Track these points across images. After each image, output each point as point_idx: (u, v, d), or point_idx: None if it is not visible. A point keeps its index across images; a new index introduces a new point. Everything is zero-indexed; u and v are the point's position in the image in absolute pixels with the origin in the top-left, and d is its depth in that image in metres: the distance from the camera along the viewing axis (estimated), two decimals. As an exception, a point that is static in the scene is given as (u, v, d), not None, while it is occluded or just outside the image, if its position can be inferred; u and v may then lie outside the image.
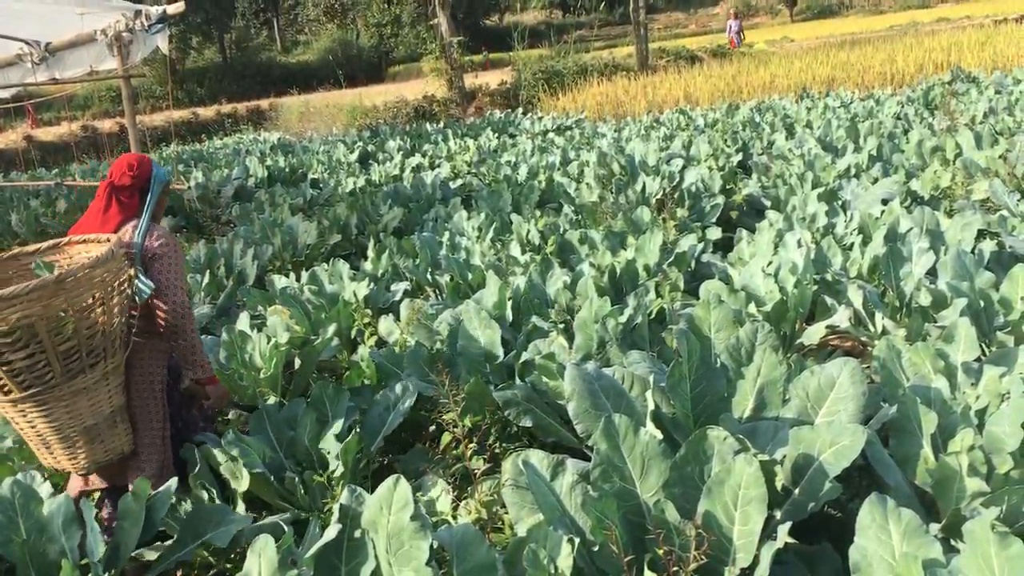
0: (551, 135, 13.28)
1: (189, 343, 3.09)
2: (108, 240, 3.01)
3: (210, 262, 6.28)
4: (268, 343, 4.28)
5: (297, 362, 4.43)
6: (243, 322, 4.52)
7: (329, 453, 3.25)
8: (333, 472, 3.19)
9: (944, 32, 20.94)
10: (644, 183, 7.07)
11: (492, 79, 22.93)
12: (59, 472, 3.18)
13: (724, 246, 5.84)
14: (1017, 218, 4.88)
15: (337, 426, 3.28)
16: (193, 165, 13.56)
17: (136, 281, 2.99)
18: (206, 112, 28.41)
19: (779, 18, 47.42)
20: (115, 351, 2.95)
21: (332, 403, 3.49)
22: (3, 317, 2.57)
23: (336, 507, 2.32)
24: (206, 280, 5.75)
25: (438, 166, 10.97)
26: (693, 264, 5.19)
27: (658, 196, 6.82)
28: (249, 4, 56.50)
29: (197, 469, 3.16)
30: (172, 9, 6.80)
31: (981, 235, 4.82)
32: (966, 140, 6.99)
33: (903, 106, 10.56)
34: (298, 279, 5.55)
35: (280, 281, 5.52)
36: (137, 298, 3.00)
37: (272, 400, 4.05)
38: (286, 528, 2.71)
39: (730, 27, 27.43)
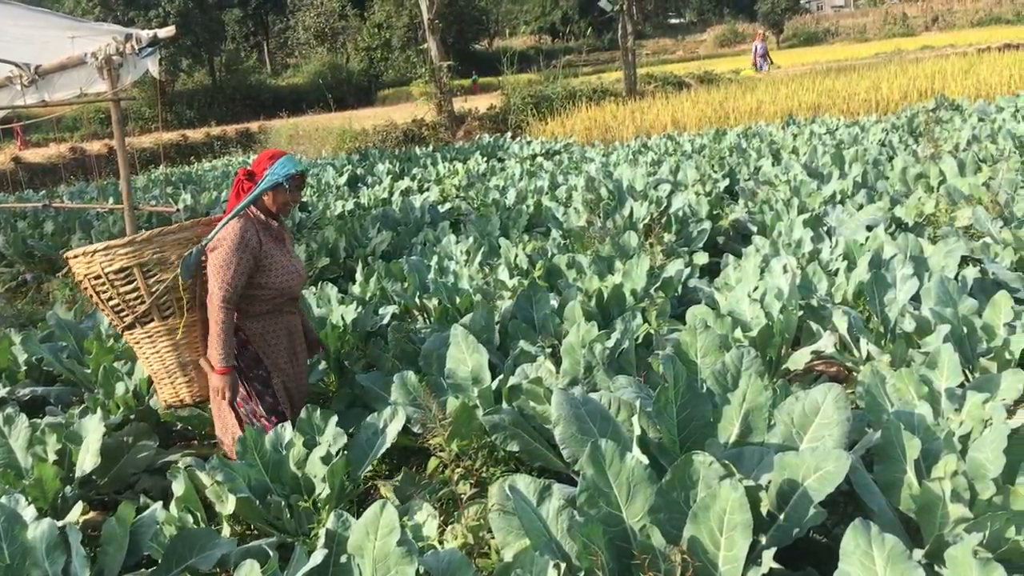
0: (540, 159, 13.34)
1: (218, 329, 3.45)
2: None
3: (198, 285, 6.26)
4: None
5: (284, 386, 4.42)
6: (230, 345, 4.51)
7: (316, 477, 3.24)
8: (319, 496, 3.18)
9: (928, 60, 21.20)
10: (632, 208, 7.11)
11: (481, 103, 23.06)
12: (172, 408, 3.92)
13: (711, 271, 5.88)
14: (999, 245, 4.94)
15: (323, 450, 3.28)
16: (182, 187, 13.56)
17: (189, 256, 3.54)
18: (195, 134, 28.44)
19: (751, 46, 47.83)
20: (185, 309, 3.65)
21: (319, 427, 3.49)
22: (114, 259, 3.52)
23: (322, 531, 2.32)
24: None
25: (427, 190, 11.00)
26: (680, 289, 5.22)
27: (645, 221, 6.86)
28: (239, 27, 56.82)
29: (182, 492, 3.15)
30: (163, 33, 6.83)
31: (964, 262, 4.88)
32: (949, 167, 7.07)
33: (888, 133, 10.66)
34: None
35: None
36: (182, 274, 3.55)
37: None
38: (271, 552, 2.70)
39: (755, 49, 25.71)
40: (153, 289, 3.57)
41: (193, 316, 3.68)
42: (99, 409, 3.95)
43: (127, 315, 3.63)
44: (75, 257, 3.64)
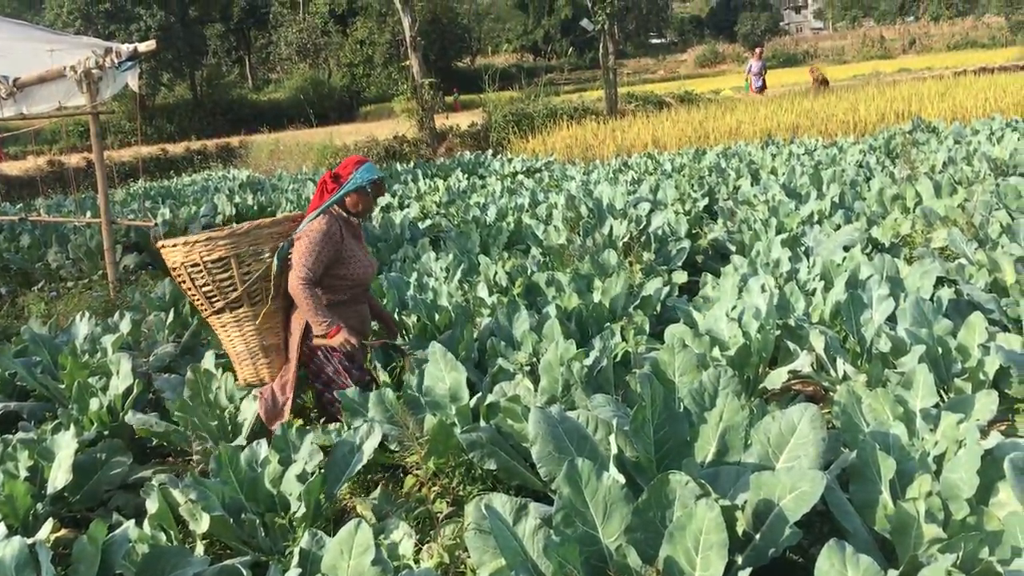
0: (520, 177, 13.37)
1: (305, 308, 3.88)
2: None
3: (175, 300, 6.22)
4: (234, 381, 4.26)
5: (261, 402, 4.39)
6: (208, 361, 4.49)
7: (291, 495, 3.22)
8: (295, 514, 3.16)
9: (905, 82, 21.47)
10: (611, 226, 7.13)
11: (463, 120, 23.10)
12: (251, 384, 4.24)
13: (690, 290, 5.90)
14: (974, 266, 4.98)
15: (299, 467, 3.25)
16: (161, 202, 13.49)
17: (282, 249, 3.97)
18: (175, 148, 28.29)
19: (745, 65, 48.29)
20: (271, 297, 4.02)
21: (295, 444, 3.47)
22: (214, 249, 3.89)
23: (297, 550, 2.30)
24: (170, 318, 5.69)
25: (407, 206, 10.99)
26: (659, 307, 5.23)
27: (625, 239, 6.88)
28: (221, 42, 56.72)
29: (156, 510, 3.11)
30: (143, 47, 6.82)
31: (940, 283, 4.91)
32: (926, 189, 7.14)
33: (865, 154, 10.76)
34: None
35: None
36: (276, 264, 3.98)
37: (237, 439, 4.02)
38: (245, 572, 2.68)
39: (750, 67, 23.69)
40: (245, 277, 3.95)
41: (277, 303, 4.08)
42: (72, 425, 3.91)
43: (218, 300, 4.01)
44: (173, 246, 3.97)
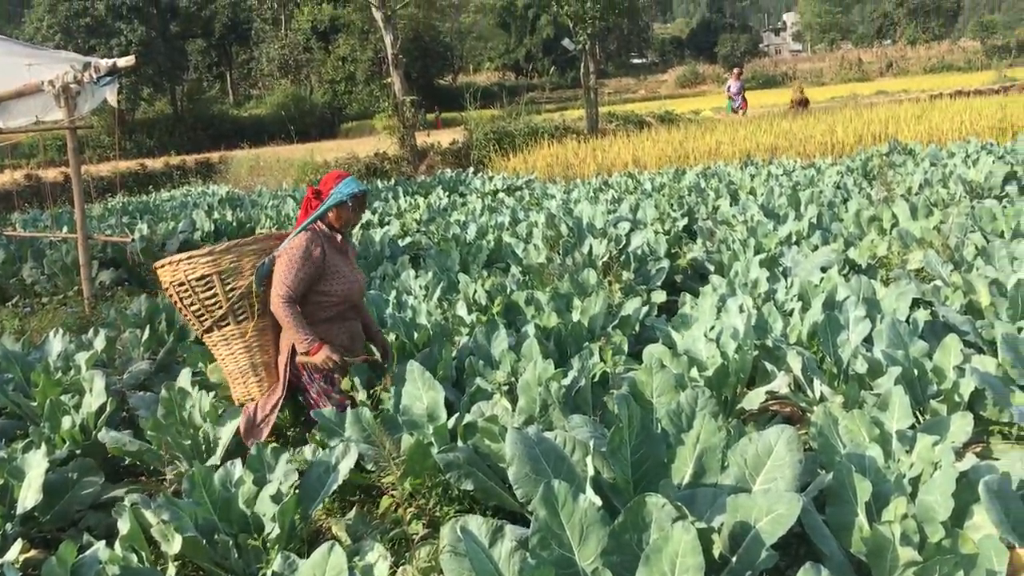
0: (501, 195, 13.39)
1: (286, 325, 3.90)
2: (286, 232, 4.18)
3: (151, 316, 6.17)
4: (209, 400, 4.22)
5: (237, 420, 4.35)
6: (183, 379, 4.44)
7: (265, 515, 3.18)
8: (269, 535, 3.12)
9: (882, 105, 21.70)
10: (591, 245, 7.15)
11: (444, 138, 23.13)
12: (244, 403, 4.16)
13: (669, 309, 5.91)
14: (950, 288, 5.03)
15: (274, 487, 3.21)
16: (139, 217, 13.40)
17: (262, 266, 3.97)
18: (155, 164, 28.16)
19: (724, 86, 48.73)
20: (256, 314, 4.02)
21: (270, 463, 3.43)
22: (196, 267, 3.90)
23: (269, 573, 2.27)
24: (146, 335, 5.64)
25: (387, 223, 10.97)
26: (637, 327, 5.23)
27: (604, 259, 6.89)
28: (203, 57, 56.66)
29: (127, 531, 3.07)
30: (122, 62, 6.79)
31: (916, 304, 4.95)
32: (902, 211, 7.21)
33: (842, 175, 10.85)
34: (241, 336, 5.48)
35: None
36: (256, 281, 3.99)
37: (211, 459, 3.98)
38: (217, 595, 2.64)
39: (728, 88, 23.82)
40: (229, 295, 3.96)
41: (264, 321, 4.07)
42: (44, 443, 3.86)
43: (206, 319, 4.02)
44: (162, 266, 4.03)
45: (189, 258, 3.95)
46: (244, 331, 4.05)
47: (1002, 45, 51.67)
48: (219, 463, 3.80)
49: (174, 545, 2.99)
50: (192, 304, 4.00)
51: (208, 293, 3.96)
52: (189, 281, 3.94)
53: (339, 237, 4.16)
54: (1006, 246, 5.47)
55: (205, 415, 4.15)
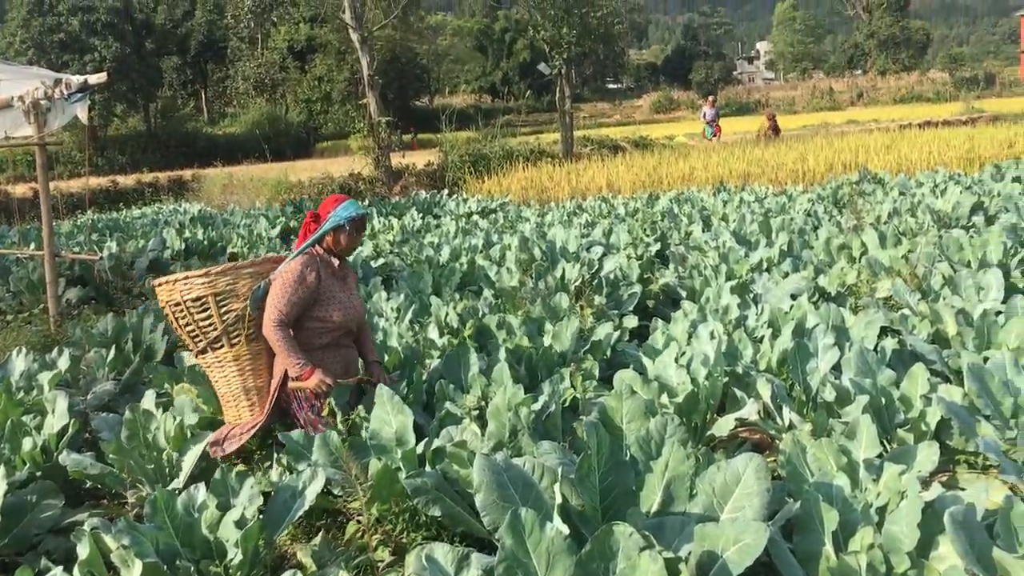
0: (475, 217, 13.39)
1: (277, 349, 3.88)
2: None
3: (117, 336, 6.09)
4: (174, 423, 4.15)
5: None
6: (148, 400, 4.38)
7: (228, 541, 3.13)
8: (231, 561, 3.06)
9: (853, 134, 21.98)
10: (564, 269, 7.16)
11: (419, 159, 23.14)
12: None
13: (641, 334, 5.92)
14: (917, 317, 5.08)
15: (238, 512, 3.16)
16: (108, 235, 13.26)
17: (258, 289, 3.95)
18: (126, 180, 27.94)
19: (699, 112, 49.22)
20: (250, 338, 4.00)
21: (235, 488, 3.38)
22: (192, 288, 3.90)
23: (230, 602, 2.23)
24: (111, 355, 5.56)
25: (360, 244, 10.92)
26: (609, 352, 5.23)
27: (577, 283, 6.90)
28: (177, 75, 56.42)
29: (86, 556, 3.00)
30: (94, 79, 6.73)
31: (884, 332, 4.99)
32: (871, 239, 7.28)
33: (813, 203, 10.96)
34: (209, 356, 5.41)
35: (189, 358, 5.37)
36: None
37: (175, 483, 3.92)
38: (177, 623, 2.58)
39: (704, 114, 24.34)
40: (224, 317, 3.95)
41: (259, 345, 4.04)
42: (3, 465, 3.77)
43: (200, 340, 4.02)
44: (159, 285, 4.06)
45: (186, 278, 3.95)
46: (238, 354, 4.03)
47: (970, 77, 52.59)
48: (182, 487, 3.74)
49: (134, 571, 2.93)
50: (187, 324, 3.99)
51: (203, 314, 3.95)
52: (184, 302, 3.94)
53: (337, 262, 4.12)
54: (973, 276, 5.54)
55: (169, 438, 4.09)
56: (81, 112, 6.90)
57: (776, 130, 23.06)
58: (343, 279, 4.15)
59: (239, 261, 4.13)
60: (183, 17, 53.81)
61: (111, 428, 4.35)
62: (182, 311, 3.96)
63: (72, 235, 13.73)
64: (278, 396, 4.04)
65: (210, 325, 3.97)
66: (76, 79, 6.73)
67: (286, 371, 3.95)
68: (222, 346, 4.02)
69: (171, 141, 44.25)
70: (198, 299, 3.92)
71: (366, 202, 17.49)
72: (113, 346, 5.76)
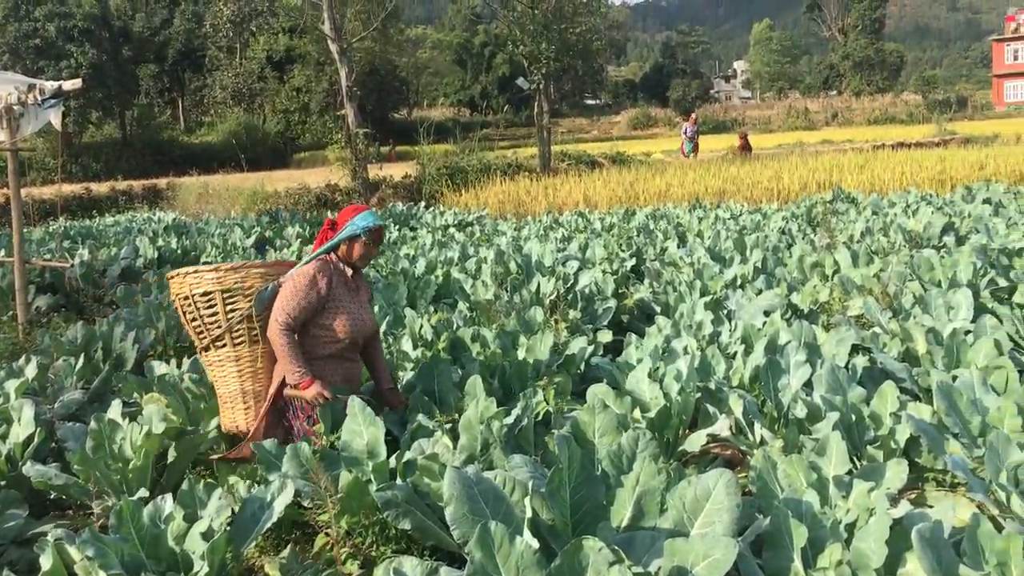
0: (452, 230, 13.39)
1: (280, 354, 3.79)
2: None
3: (87, 344, 6.02)
4: (141, 433, 4.10)
5: (172, 455, 4.25)
6: (114, 410, 4.32)
7: (195, 553, 3.08)
8: (197, 574, 3.02)
9: (827, 153, 22.20)
10: (539, 283, 7.16)
11: (396, 172, 23.13)
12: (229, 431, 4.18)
13: (615, 349, 5.92)
14: (888, 335, 5.12)
15: (204, 524, 3.12)
16: (80, 242, 13.13)
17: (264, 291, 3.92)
18: (100, 188, 27.66)
19: (675, 130, 49.58)
20: (253, 340, 3.98)
21: (202, 499, 3.34)
22: (201, 282, 3.89)
23: (194, 615, 2.20)
24: (80, 364, 5.49)
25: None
26: (583, 367, 5.24)
27: (552, 297, 6.91)
28: (154, 83, 56.05)
29: (49, 567, 2.96)
30: (68, 85, 6.68)
31: (855, 350, 5.02)
32: (844, 258, 7.35)
33: (787, 221, 11.05)
34: (180, 366, 5.37)
35: (159, 368, 5.32)
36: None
37: (141, 494, 3.86)
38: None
39: (684, 130, 24.94)
40: (229, 315, 3.92)
41: (261, 348, 3.99)
42: (-35, 475, 3.71)
43: (204, 337, 3.99)
44: (171, 278, 4.05)
45: (196, 272, 3.95)
46: (239, 354, 4.00)
47: (943, 100, 53.31)
48: (149, 498, 3.69)
49: (98, 583, 2.89)
50: (193, 320, 3.98)
51: (210, 310, 3.93)
52: (193, 296, 3.93)
53: (350, 272, 4.04)
54: (943, 295, 5.59)
55: (136, 448, 4.03)
56: (55, 118, 6.84)
57: (745, 148, 23.39)
58: (355, 290, 4.07)
59: (252, 261, 4.06)
60: (161, 25, 53.55)
61: (77, 438, 4.28)
62: (190, 305, 3.94)
63: (43, 242, 13.58)
64: (275, 402, 3.98)
65: (215, 322, 3.95)
66: (50, 85, 6.67)
67: (283, 380, 3.89)
68: (224, 345, 3.98)
69: (147, 149, 43.97)
70: (206, 294, 3.91)
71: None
72: (82, 354, 5.69)
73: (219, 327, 3.94)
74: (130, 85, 47.70)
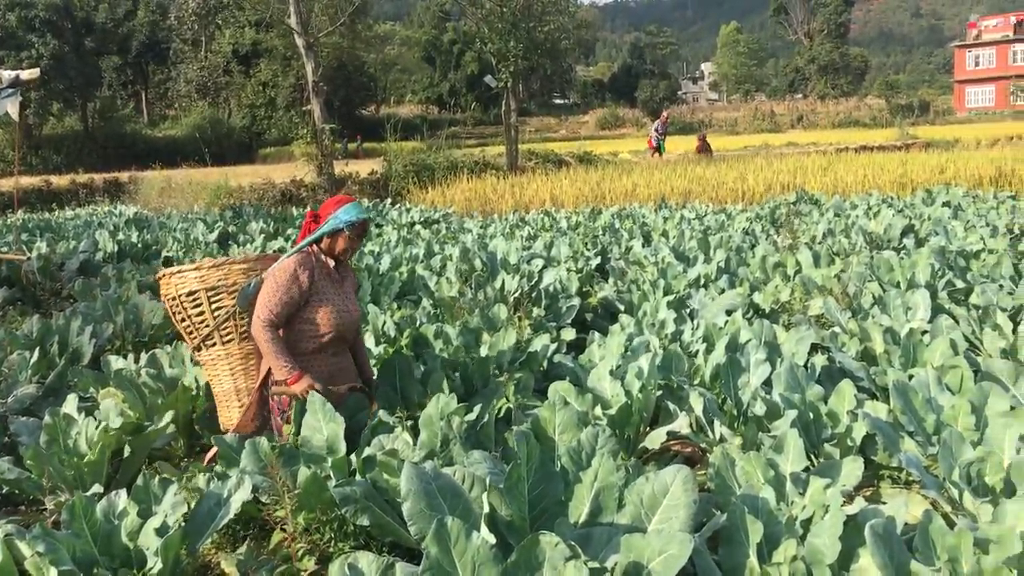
0: (418, 227, 13.35)
1: (264, 351, 3.74)
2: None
3: (43, 338, 5.91)
4: (96, 428, 4.04)
5: (127, 450, 4.19)
6: (70, 404, 4.25)
7: (148, 549, 3.04)
8: (151, 570, 2.98)
9: (792, 156, 22.42)
10: (503, 280, 7.15)
11: (363, 168, 22.98)
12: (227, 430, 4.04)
13: (579, 347, 5.93)
14: (846, 335, 5.17)
15: (159, 520, 3.08)
16: (39, 235, 12.91)
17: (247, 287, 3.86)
18: (60, 181, 27.20)
19: (643, 130, 49.81)
20: (244, 336, 3.94)
21: (157, 494, 3.29)
22: (186, 282, 3.86)
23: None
24: (35, 358, 5.39)
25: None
26: (545, 364, 5.23)
27: (516, 294, 6.90)
28: (117, 75, 55.33)
29: (-1, 564, 2.90)
30: (26, 75, 6.57)
31: (814, 349, 5.07)
32: (805, 258, 7.42)
33: (751, 222, 11.14)
34: (137, 361, 5.29)
35: (116, 362, 5.24)
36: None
37: (95, 490, 3.80)
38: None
39: (657, 128, 25.35)
40: (216, 314, 3.89)
41: (251, 345, 3.94)
42: (-86, 470, 3.63)
43: (195, 337, 3.97)
44: (161, 277, 4.02)
45: (180, 272, 3.92)
46: (229, 352, 3.98)
47: (905, 104, 54.04)
48: (103, 493, 3.64)
49: (48, 580, 2.84)
50: (183, 320, 3.96)
51: (197, 310, 3.91)
52: (180, 296, 3.90)
53: (332, 264, 3.96)
54: (901, 296, 5.67)
55: (92, 443, 3.97)
56: (11, 108, 6.73)
57: (703, 149, 23.73)
58: (339, 281, 3.98)
59: (234, 257, 3.98)
60: (125, 16, 52.77)
61: (31, 432, 4.20)
62: (178, 306, 3.92)
63: (1, 234, 13.34)
64: (261, 397, 3.94)
65: (202, 321, 3.92)
66: (6, 74, 6.56)
67: (267, 374, 3.85)
68: (214, 343, 3.96)
69: (109, 142, 43.34)
70: (191, 294, 3.88)
71: (307, 208, 17.27)
72: (37, 348, 5.59)
73: (207, 326, 3.91)
74: (92, 77, 47.00)
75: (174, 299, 3.92)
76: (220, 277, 3.88)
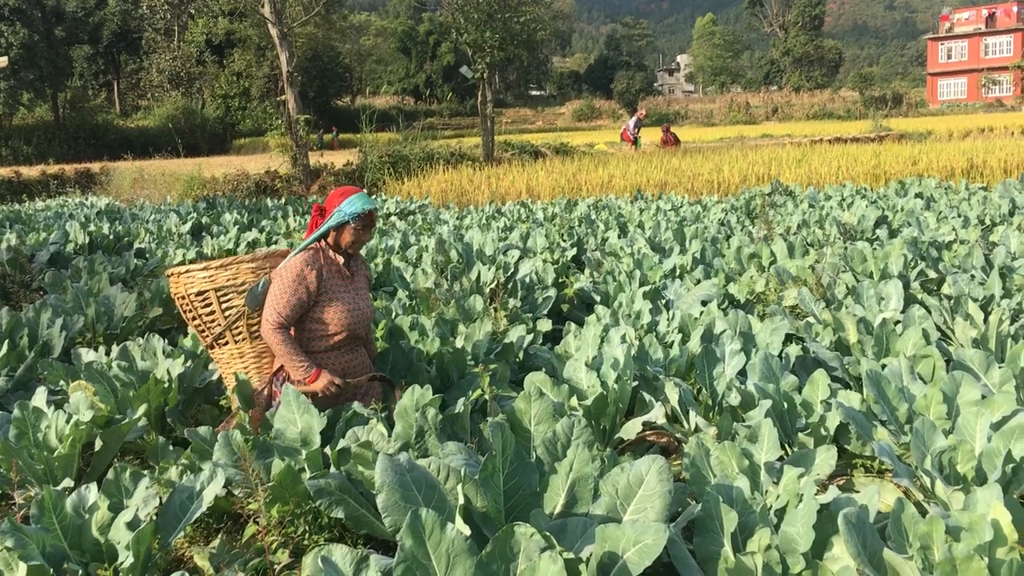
0: (393, 218, 13.29)
1: (279, 353, 3.70)
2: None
3: (12, 331, 5.83)
4: (66, 421, 3.98)
5: (99, 443, 4.14)
6: (39, 397, 4.18)
7: (119, 543, 3.00)
8: (122, 564, 2.94)
9: (767, 147, 22.54)
10: (479, 271, 7.13)
11: (338, 159, 22.86)
12: None
13: (555, 338, 5.93)
14: (821, 325, 5.21)
15: (130, 514, 3.04)
16: (8, 227, 12.73)
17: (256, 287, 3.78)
18: (30, 172, 26.84)
19: (619, 122, 49.88)
20: (255, 335, 3.89)
21: (128, 488, 3.25)
22: (194, 282, 3.82)
23: (114, 606, 2.14)
24: (4, 350, 5.31)
25: (275, 242, 10.73)
26: (521, 355, 5.23)
27: (492, 285, 6.89)
28: (88, 64, 54.69)
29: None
30: (-7, 62, 6.45)
31: (789, 339, 5.11)
32: (780, 249, 7.46)
33: (727, 213, 11.19)
34: (108, 353, 5.23)
35: (87, 355, 5.18)
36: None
37: (66, 484, 3.75)
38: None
39: (636, 120, 25.75)
40: (226, 313, 3.85)
41: (263, 344, 3.91)
42: None
43: (207, 335, 3.94)
44: (169, 275, 3.99)
45: (188, 272, 3.87)
46: (242, 351, 3.95)
47: (879, 96, 54.53)
48: (73, 487, 3.59)
49: (17, 574, 2.80)
50: (194, 319, 3.95)
51: (207, 310, 3.88)
52: (189, 296, 3.87)
53: (341, 260, 3.89)
54: (874, 286, 5.71)
55: (62, 436, 3.91)
56: (-21, 96, 6.60)
57: (668, 142, 23.93)
58: (350, 278, 3.91)
59: (241, 255, 3.96)
60: (96, 5, 52.12)
61: (0, 426, 4.15)
62: (188, 305, 3.90)
63: (-31, 226, 13.15)
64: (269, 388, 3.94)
65: (213, 321, 3.89)
66: (-26, 62, 6.43)
67: (273, 374, 3.84)
68: (227, 342, 3.94)
69: (80, 132, 42.85)
70: (200, 294, 3.85)
71: (282, 200, 17.18)
72: (6, 341, 5.51)
73: (219, 325, 3.89)
74: (63, 67, 46.41)
75: (183, 298, 3.91)
76: (228, 277, 3.84)
